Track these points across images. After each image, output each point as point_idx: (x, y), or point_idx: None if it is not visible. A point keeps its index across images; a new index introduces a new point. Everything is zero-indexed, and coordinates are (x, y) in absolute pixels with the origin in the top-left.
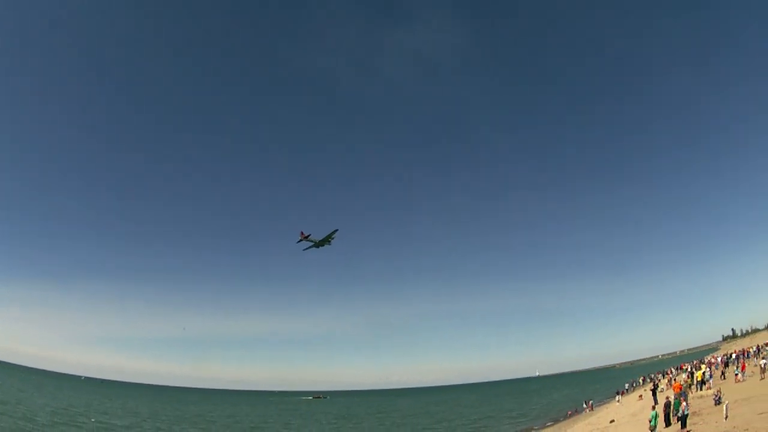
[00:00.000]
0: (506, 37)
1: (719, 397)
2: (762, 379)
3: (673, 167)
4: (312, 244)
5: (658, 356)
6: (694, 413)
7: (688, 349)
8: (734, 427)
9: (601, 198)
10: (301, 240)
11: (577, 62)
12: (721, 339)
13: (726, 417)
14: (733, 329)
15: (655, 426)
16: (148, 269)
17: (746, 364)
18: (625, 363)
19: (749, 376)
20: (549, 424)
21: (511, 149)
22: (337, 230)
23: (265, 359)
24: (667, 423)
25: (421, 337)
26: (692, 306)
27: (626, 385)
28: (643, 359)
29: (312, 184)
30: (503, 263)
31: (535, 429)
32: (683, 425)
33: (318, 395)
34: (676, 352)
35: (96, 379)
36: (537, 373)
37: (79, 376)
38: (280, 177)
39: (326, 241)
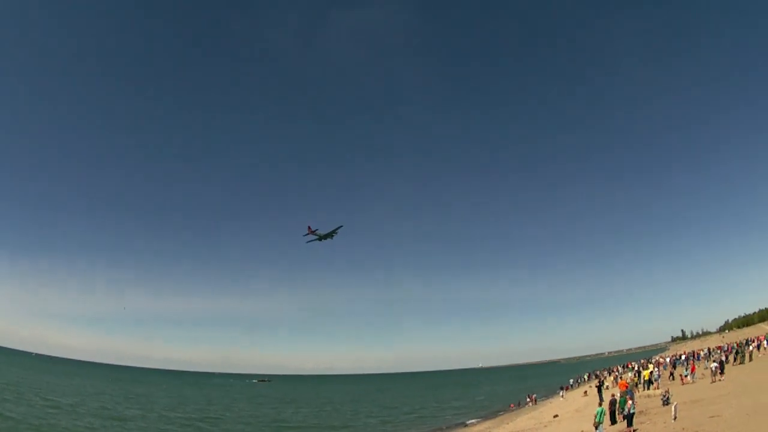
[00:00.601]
0: (456, 17)
1: (667, 398)
2: (713, 382)
3: (632, 166)
4: (316, 237)
5: (604, 353)
6: (641, 412)
7: (635, 348)
8: (683, 428)
9: (554, 190)
10: (308, 234)
11: (527, 43)
12: (670, 340)
13: (675, 418)
14: (683, 330)
15: (601, 422)
16: (93, 244)
17: (696, 366)
18: (570, 358)
19: (699, 379)
20: (491, 416)
21: (456, 132)
22: (341, 226)
23: (211, 341)
24: (613, 421)
25: (364, 324)
26: (642, 305)
27: (571, 381)
28: (589, 356)
29: (253, 159)
30: (448, 252)
31: (478, 421)
32: (629, 424)
33: (263, 379)
34: (623, 350)
35: (46, 356)
36: (480, 365)
37: (30, 353)
38: (221, 151)
39: (330, 235)
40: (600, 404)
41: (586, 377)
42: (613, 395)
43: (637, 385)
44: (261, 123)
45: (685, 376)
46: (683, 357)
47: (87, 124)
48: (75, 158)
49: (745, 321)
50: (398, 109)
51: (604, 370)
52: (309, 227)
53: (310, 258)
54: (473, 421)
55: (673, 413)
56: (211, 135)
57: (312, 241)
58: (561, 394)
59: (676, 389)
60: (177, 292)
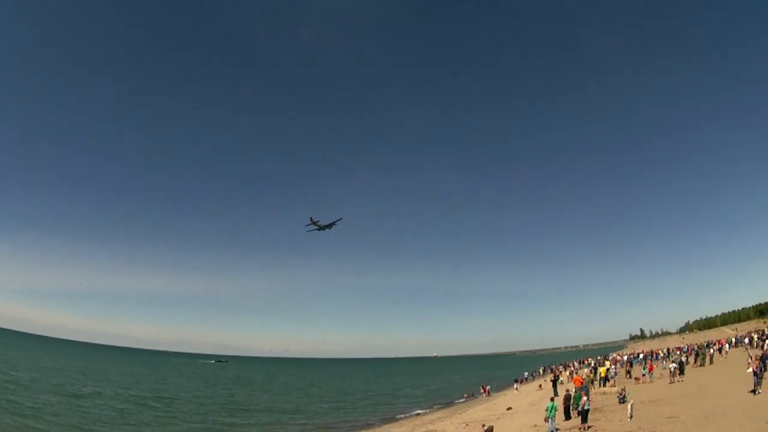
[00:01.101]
0: (431, 5)
1: (624, 396)
2: (671, 382)
3: (599, 165)
4: (316, 228)
5: (560, 348)
6: (596, 409)
7: (592, 344)
8: (639, 428)
9: (515, 181)
10: (309, 224)
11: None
12: (628, 338)
13: (631, 416)
14: (642, 329)
15: (552, 417)
16: (52, 221)
17: (654, 366)
18: (526, 351)
19: (657, 379)
20: (444, 406)
21: (423, 121)
22: (341, 219)
23: (172, 320)
24: (567, 416)
25: (321, 309)
26: (602, 302)
27: (526, 374)
28: (545, 350)
29: (217, 141)
30: (408, 240)
31: (431, 410)
32: (584, 420)
33: (221, 359)
34: (579, 346)
35: (10, 331)
36: (435, 354)
37: None
38: (188, 127)
39: (329, 226)
40: (552, 399)
41: (541, 371)
42: (567, 390)
43: (592, 381)
44: (226, 106)
45: (643, 375)
46: (641, 356)
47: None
48: (29, 133)
49: (707, 323)
50: (372, 97)
51: (559, 365)
52: (311, 218)
53: (270, 241)
54: (426, 410)
55: (629, 412)
56: (180, 118)
57: (311, 230)
58: (515, 386)
59: (632, 388)
60: (139, 271)
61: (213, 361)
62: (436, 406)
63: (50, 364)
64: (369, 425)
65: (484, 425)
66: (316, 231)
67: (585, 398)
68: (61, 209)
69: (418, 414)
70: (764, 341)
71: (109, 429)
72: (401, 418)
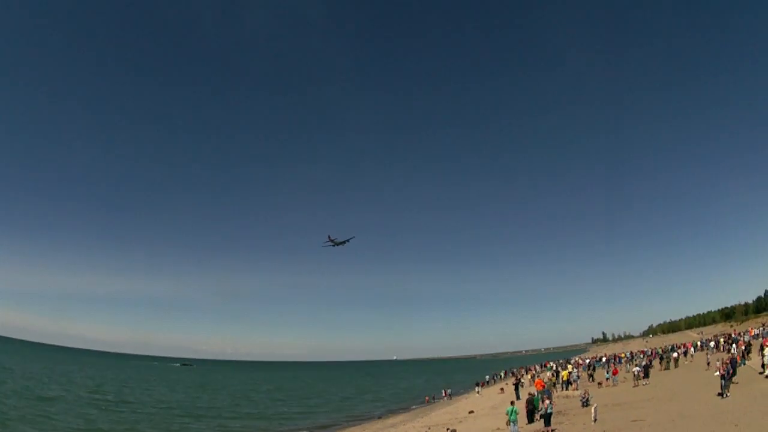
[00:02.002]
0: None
1: (587, 399)
2: (635, 386)
3: (565, 161)
4: (332, 244)
5: (521, 351)
6: (559, 413)
7: (554, 348)
8: (604, 431)
9: (479, 185)
10: (327, 242)
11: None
12: (590, 341)
13: (595, 420)
14: (604, 333)
15: (515, 421)
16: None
17: (618, 369)
18: (486, 355)
19: (621, 382)
20: (405, 409)
21: (372, 112)
22: (354, 237)
23: (136, 323)
24: (530, 420)
25: (281, 312)
26: (563, 305)
27: (487, 377)
28: (506, 353)
29: (177, 138)
30: (367, 243)
31: (392, 414)
32: (547, 423)
33: (185, 363)
34: (541, 349)
35: None
36: (395, 357)
37: None
38: (139, 120)
39: (343, 242)
40: (512, 403)
41: (503, 374)
42: (530, 394)
43: (555, 384)
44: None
45: (607, 379)
46: (603, 359)
47: None
48: None
49: (671, 327)
50: (318, 87)
51: (521, 368)
52: (329, 236)
53: (231, 246)
54: (388, 414)
55: (593, 415)
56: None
57: (327, 246)
58: (477, 390)
59: (595, 391)
60: (102, 272)
61: (178, 365)
62: (397, 410)
63: (8, 366)
64: (329, 429)
65: (447, 429)
66: (331, 247)
67: (547, 401)
68: (23, 208)
69: (380, 417)
70: (731, 345)
71: None
72: (363, 422)
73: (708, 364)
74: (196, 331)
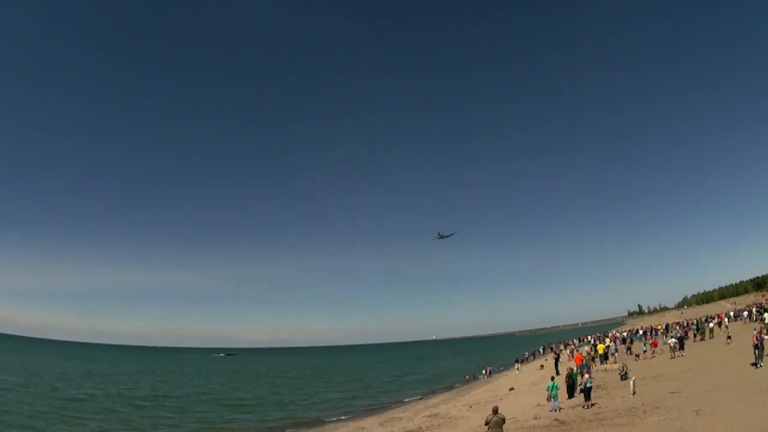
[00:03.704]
0: None
1: (625, 372)
2: (672, 358)
3: (589, 140)
4: (440, 237)
5: (559, 326)
6: (598, 386)
7: (591, 322)
8: (643, 403)
9: (511, 162)
10: (436, 236)
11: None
12: (626, 314)
13: (633, 393)
14: (639, 305)
15: (555, 396)
16: (35, 219)
17: (657, 342)
18: (525, 331)
19: (657, 354)
20: (446, 389)
21: (389, 90)
22: (458, 231)
23: (175, 316)
24: (571, 395)
25: (318, 297)
26: (599, 279)
27: (526, 354)
28: (545, 329)
29: (193, 124)
30: (399, 221)
31: (434, 393)
32: (587, 398)
33: (230, 353)
34: (579, 324)
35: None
36: (434, 337)
37: None
38: (161, 114)
39: (448, 236)
40: (552, 378)
41: (541, 350)
42: (570, 369)
43: (593, 359)
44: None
45: (644, 351)
46: (640, 332)
47: None
48: None
49: (705, 298)
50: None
51: (560, 344)
52: (438, 232)
53: (264, 233)
54: (429, 394)
55: (631, 388)
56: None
57: (435, 239)
58: (516, 367)
59: (633, 364)
60: (138, 268)
61: (222, 355)
62: (438, 390)
63: (38, 368)
64: (373, 411)
65: (490, 406)
66: (438, 239)
67: (587, 376)
68: (45, 206)
69: (421, 398)
70: (762, 315)
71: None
72: (405, 403)
73: (729, 338)
74: (239, 321)
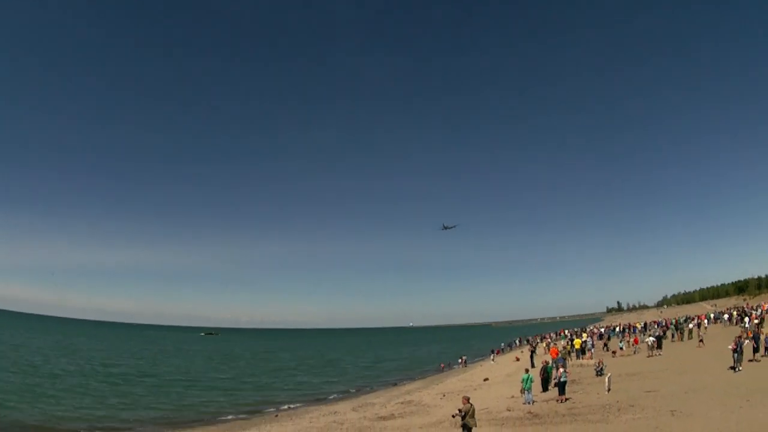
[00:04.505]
0: None
1: (601, 369)
2: (649, 356)
3: (575, 131)
4: (444, 228)
5: (537, 319)
6: (573, 381)
7: (569, 316)
8: (618, 401)
9: (494, 152)
10: (442, 228)
11: None
12: (605, 310)
13: (608, 389)
14: (618, 302)
15: (529, 389)
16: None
17: (638, 339)
18: (502, 322)
19: (639, 351)
20: (420, 376)
21: (383, 74)
22: (457, 225)
23: (155, 292)
24: (545, 388)
25: (297, 279)
26: (579, 274)
27: (502, 345)
28: (522, 320)
29: (178, 100)
30: (380, 208)
31: (408, 380)
32: (561, 392)
33: (210, 332)
34: (556, 318)
35: None
36: (411, 324)
37: None
38: (143, 94)
39: (451, 227)
40: (527, 371)
41: (517, 342)
42: (545, 362)
43: (569, 353)
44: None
45: (621, 348)
46: (618, 329)
47: None
48: None
49: (685, 298)
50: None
51: (536, 336)
52: (444, 224)
53: (246, 213)
54: (403, 380)
55: (606, 384)
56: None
57: (439, 230)
58: (492, 357)
59: (609, 361)
60: (124, 244)
61: (202, 334)
62: (413, 377)
63: (29, 341)
64: (347, 396)
65: (462, 396)
66: (443, 230)
67: (561, 370)
68: (24, 183)
69: (395, 385)
70: (743, 319)
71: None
72: (377, 389)
73: (701, 341)
74: (220, 301)
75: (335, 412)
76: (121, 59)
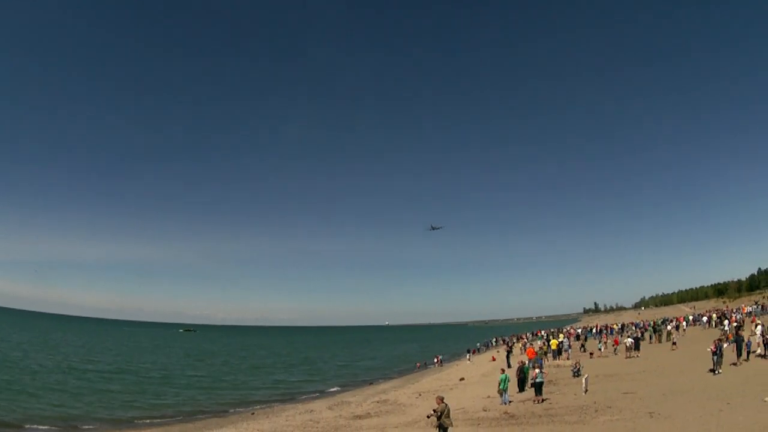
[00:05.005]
0: None
1: (578, 369)
2: (627, 358)
3: (553, 128)
4: (432, 229)
5: (513, 319)
6: (550, 382)
7: (546, 317)
8: (595, 402)
9: (469, 149)
10: (430, 229)
11: None
12: (582, 311)
13: (585, 391)
14: (596, 303)
15: (505, 389)
16: None
17: (618, 340)
18: (478, 322)
19: (613, 354)
20: (396, 375)
21: (364, 73)
22: (443, 227)
23: (136, 289)
24: (521, 388)
25: (275, 276)
26: (556, 274)
27: (478, 345)
28: (498, 320)
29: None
30: (357, 207)
31: (384, 379)
32: (538, 392)
33: (188, 329)
34: (533, 318)
35: None
36: (387, 323)
37: None
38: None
39: (437, 228)
40: (503, 371)
41: (494, 342)
42: (521, 362)
43: (546, 353)
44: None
45: (600, 349)
46: (595, 330)
47: None
48: None
49: (664, 300)
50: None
51: (512, 336)
52: (432, 225)
53: (225, 210)
54: (379, 379)
55: (584, 386)
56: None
57: (427, 230)
58: (468, 357)
59: (587, 362)
60: (101, 238)
61: (181, 330)
62: (389, 376)
63: (7, 336)
64: (323, 394)
65: (437, 395)
66: (431, 231)
67: (537, 370)
68: (9, 179)
69: (371, 383)
70: (722, 321)
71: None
72: (353, 388)
73: (674, 344)
74: (198, 297)
75: (311, 411)
76: (91, 51)
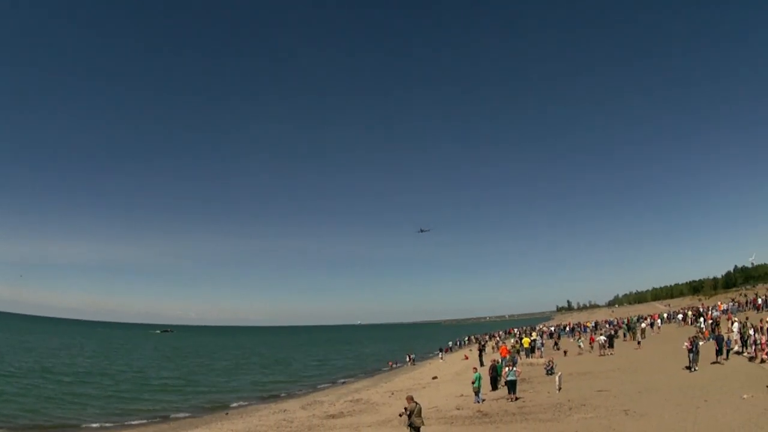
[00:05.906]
0: None
1: (552, 368)
2: (601, 355)
3: (524, 125)
4: (420, 231)
5: (485, 318)
6: (523, 380)
7: (518, 315)
8: (569, 400)
9: (449, 146)
10: (420, 231)
11: None
12: (555, 309)
13: (559, 388)
14: (568, 301)
15: (479, 388)
16: None
17: (594, 337)
18: (450, 320)
19: (587, 352)
20: (368, 374)
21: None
22: (431, 229)
23: (113, 289)
24: (494, 387)
25: (246, 276)
26: (529, 272)
27: (450, 343)
28: (470, 319)
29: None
30: (329, 205)
31: (356, 378)
32: (511, 391)
33: (165, 329)
34: (505, 316)
35: None
36: (359, 322)
37: None
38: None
39: (426, 230)
40: (475, 369)
41: (466, 340)
42: (494, 360)
43: (519, 352)
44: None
45: (580, 346)
46: (568, 328)
47: None
48: None
49: (638, 298)
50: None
51: (485, 335)
52: (421, 228)
53: (197, 210)
54: (351, 379)
55: (557, 383)
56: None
57: (417, 232)
58: (440, 356)
59: (560, 360)
60: (78, 238)
61: (158, 331)
62: (361, 375)
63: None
64: (296, 394)
65: (409, 395)
66: (419, 233)
67: (507, 369)
68: None
69: (344, 383)
70: (698, 319)
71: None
72: (326, 387)
73: (639, 343)
74: (176, 298)
75: (285, 410)
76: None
